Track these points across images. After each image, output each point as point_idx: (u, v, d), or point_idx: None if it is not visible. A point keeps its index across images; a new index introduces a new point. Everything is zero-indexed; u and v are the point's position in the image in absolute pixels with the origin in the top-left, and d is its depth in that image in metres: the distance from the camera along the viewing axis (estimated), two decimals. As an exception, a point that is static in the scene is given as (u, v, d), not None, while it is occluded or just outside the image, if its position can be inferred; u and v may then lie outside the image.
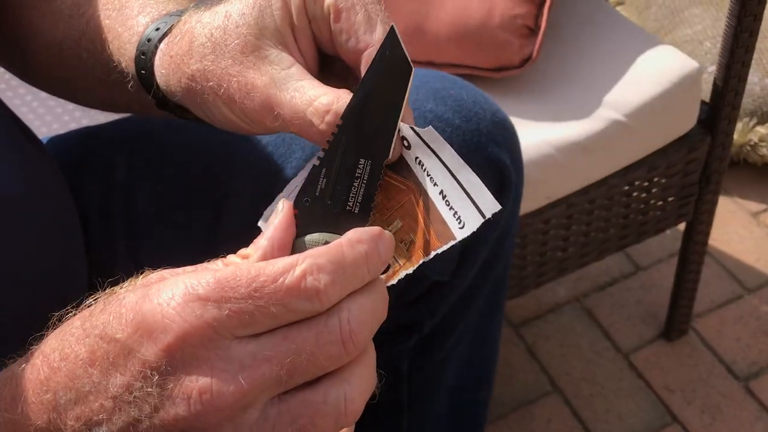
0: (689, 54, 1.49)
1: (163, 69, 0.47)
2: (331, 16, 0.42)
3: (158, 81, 0.48)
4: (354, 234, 0.36)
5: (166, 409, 0.33)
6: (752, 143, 1.46)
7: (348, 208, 0.39)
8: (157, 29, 0.48)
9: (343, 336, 0.34)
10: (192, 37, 0.45)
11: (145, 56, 0.48)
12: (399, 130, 0.40)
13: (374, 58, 0.40)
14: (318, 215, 0.38)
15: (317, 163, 0.39)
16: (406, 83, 0.40)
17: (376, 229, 0.36)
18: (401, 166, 0.41)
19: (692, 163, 1.05)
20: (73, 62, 0.55)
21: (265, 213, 0.44)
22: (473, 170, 0.67)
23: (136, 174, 0.66)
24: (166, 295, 0.33)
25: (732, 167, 1.50)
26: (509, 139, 0.71)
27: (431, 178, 0.40)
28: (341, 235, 0.36)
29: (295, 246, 0.38)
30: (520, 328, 1.31)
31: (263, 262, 0.34)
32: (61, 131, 0.72)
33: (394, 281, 0.40)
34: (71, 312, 0.36)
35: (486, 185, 0.70)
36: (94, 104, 0.62)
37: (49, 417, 0.35)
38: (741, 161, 1.49)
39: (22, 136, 0.57)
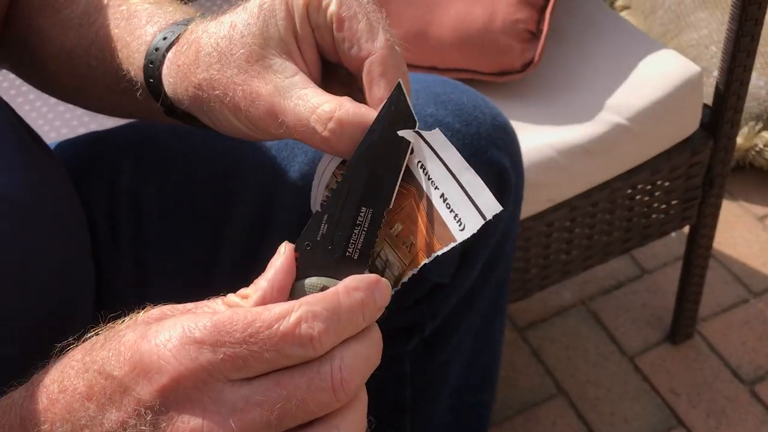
0: (695, 58, 1.50)
1: (170, 78, 0.48)
2: (334, 24, 0.42)
3: (166, 89, 0.49)
4: (351, 281, 0.36)
5: None
6: (758, 148, 1.46)
7: (348, 254, 0.39)
8: (165, 38, 0.49)
9: (334, 383, 0.34)
10: (198, 47, 0.46)
11: (153, 65, 0.49)
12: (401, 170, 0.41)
13: (380, 111, 0.41)
14: (318, 260, 0.39)
15: (320, 209, 0.40)
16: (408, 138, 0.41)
17: (372, 276, 0.37)
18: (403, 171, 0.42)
19: (695, 167, 1.06)
20: (82, 70, 0.56)
21: (312, 198, 0.45)
22: (473, 173, 0.68)
23: (142, 179, 0.67)
24: (163, 337, 0.34)
25: (738, 171, 1.50)
26: (509, 142, 0.72)
27: (432, 181, 0.40)
28: (340, 280, 0.37)
29: (294, 288, 0.39)
30: (525, 331, 1.31)
31: (260, 307, 0.35)
32: (70, 136, 0.73)
33: (398, 287, 0.41)
34: (73, 344, 0.37)
35: (486, 188, 0.71)
36: (104, 111, 0.63)
37: None
38: (747, 165, 1.49)
39: (31, 141, 0.58)
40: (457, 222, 0.39)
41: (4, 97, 0.59)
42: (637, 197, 1.05)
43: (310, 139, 0.42)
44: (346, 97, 0.42)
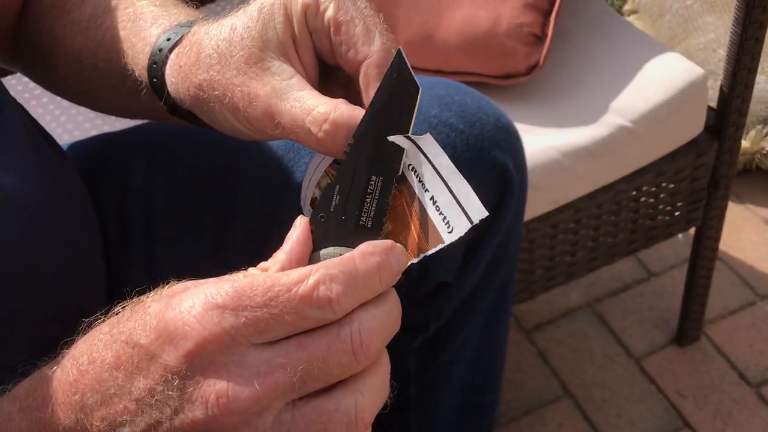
0: (702, 62, 1.50)
1: (173, 78, 0.49)
2: (331, 28, 0.43)
3: (169, 89, 0.50)
4: (366, 247, 0.37)
5: (185, 411, 0.35)
6: (765, 151, 1.46)
7: (361, 223, 0.40)
8: (168, 39, 0.50)
9: (354, 345, 0.35)
10: (200, 49, 0.47)
11: (156, 65, 0.51)
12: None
13: (383, 80, 0.42)
14: (332, 230, 0.40)
15: (331, 180, 0.41)
16: (414, 103, 0.41)
17: (388, 242, 0.38)
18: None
19: (700, 169, 1.06)
20: (90, 71, 0.58)
21: (303, 195, 0.46)
22: (477, 174, 0.69)
23: (152, 179, 0.68)
24: (187, 304, 0.35)
25: (745, 174, 1.50)
26: (513, 143, 0.73)
27: (422, 184, 0.41)
28: (355, 248, 0.38)
29: (312, 260, 0.40)
30: (532, 332, 1.32)
31: (279, 272, 0.36)
32: (82, 137, 0.75)
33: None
34: (100, 318, 0.39)
35: (489, 188, 0.72)
36: (111, 111, 0.64)
37: (76, 417, 0.37)
38: (754, 168, 1.49)
39: (44, 142, 0.59)
40: (446, 224, 0.40)
41: (19, 100, 0.61)
42: (642, 199, 1.06)
43: (305, 139, 0.43)
44: (341, 100, 0.43)
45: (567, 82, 1.05)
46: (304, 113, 0.42)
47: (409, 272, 0.67)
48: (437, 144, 0.41)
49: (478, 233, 0.73)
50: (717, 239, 1.15)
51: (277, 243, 0.42)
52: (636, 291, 1.36)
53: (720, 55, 1.51)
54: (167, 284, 0.39)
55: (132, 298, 0.39)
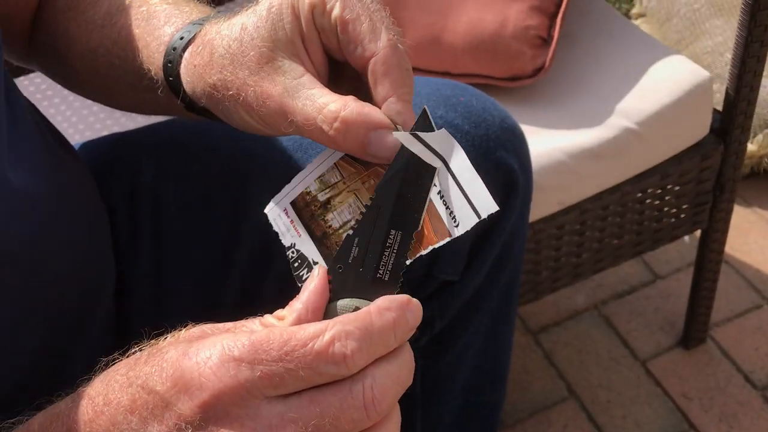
0: (709, 65, 1.50)
1: (188, 77, 0.50)
2: (338, 27, 0.44)
3: (185, 87, 0.51)
4: (383, 302, 0.37)
5: None
6: (772, 154, 1.46)
7: (378, 275, 0.40)
8: (182, 38, 0.51)
9: (366, 402, 0.35)
10: (212, 49, 0.48)
11: (171, 64, 0.52)
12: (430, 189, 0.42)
13: (415, 133, 0.42)
14: (350, 282, 0.40)
15: (351, 232, 0.41)
16: (431, 179, 0.42)
17: (404, 297, 0.38)
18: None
19: (706, 171, 1.07)
20: (106, 69, 0.59)
21: (273, 200, 0.47)
22: (482, 174, 0.70)
23: (162, 178, 0.69)
24: (204, 355, 0.36)
25: (752, 178, 1.51)
26: (518, 144, 0.73)
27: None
28: (371, 301, 0.38)
29: (328, 310, 0.40)
30: (538, 334, 1.32)
31: (295, 326, 0.36)
32: (92, 137, 0.76)
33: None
34: (118, 358, 0.39)
35: (494, 189, 0.73)
36: (128, 108, 0.65)
37: None
38: (761, 172, 1.49)
39: (56, 142, 0.61)
40: (452, 218, 0.41)
41: (31, 101, 0.62)
42: (648, 201, 1.06)
43: (318, 137, 0.44)
44: (350, 97, 0.43)
45: (573, 85, 1.05)
46: (316, 111, 0.43)
47: (414, 270, 0.68)
48: (452, 138, 0.42)
49: (483, 233, 0.73)
50: (723, 242, 1.15)
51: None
52: (642, 293, 1.36)
53: (727, 58, 1.51)
54: (184, 327, 0.39)
55: (149, 339, 0.39)
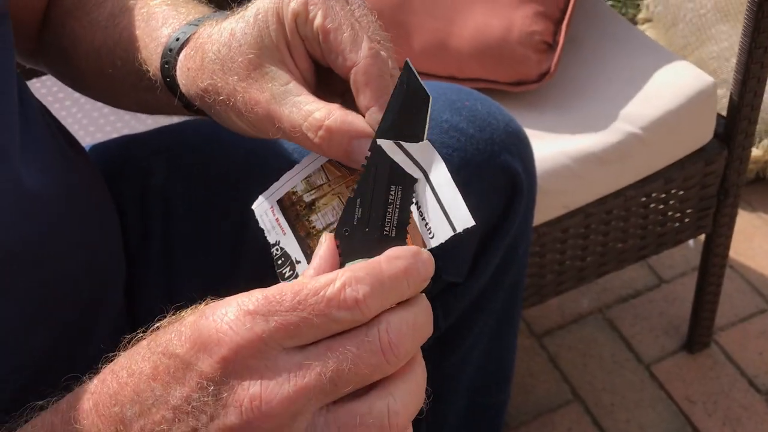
0: (715, 70, 1.51)
1: (183, 80, 0.51)
2: (320, 36, 0.45)
3: (181, 89, 0.52)
4: (392, 251, 0.38)
5: (221, 417, 0.35)
6: (777, 159, 1.46)
7: (385, 233, 0.41)
8: (177, 39, 0.52)
9: (382, 345, 0.35)
10: (203, 53, 0.49)
11: (168, 65, 0.53)
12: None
13: (393, 91, 0.42)
14: (357, 243, 0.40)
15: (352, 194, 0.41)
16: (426, 111, 0.42)
17: (414, 247, 0.38)
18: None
19: (710, 176, 1.07)
20: (109, 69, 0.60)
21: (261, 196, 0.48)
22: (486, 177, 0.71)
23: (172, 180, 0.70)
24: (220, 312, 0.36)
25: (757, 183, 1.51)
26: (522, 148, 0.74)
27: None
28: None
29: None
30: (542, 337, 1.33)
31: (307, 278, 0.37)
32: (102, 140, 0.77)
33: None
34: (140, 334, 0.40)
35: (498, 192, 0.73)
36: (131, 107, 0.66)
37: (116, 428, 0.38)
38: (766, 177, 1.50)
39: (68, 144, 0.62)
40: (428, 230, 0.42)
41: (43, 103, 0.63)
42: (652, 205, 1.07)
43: (304, 143, 0.44)
44: (335, 105, 0.44)
45: (577, 89, 1.06)
46: (302, 119, 0.44)
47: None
48: (435, 151, 0.42)
49: (487, 235, 0.74)
50: (727, 246, 1.16)
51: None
52: (647, 297, 1.37)
53: (733, 64, 1.51)
54: (204, 302, 0.40)
55: (173, 314, 0.40)
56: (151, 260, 0.69)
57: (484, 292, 0.78)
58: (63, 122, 0.66)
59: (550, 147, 0.98)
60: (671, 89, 1.02)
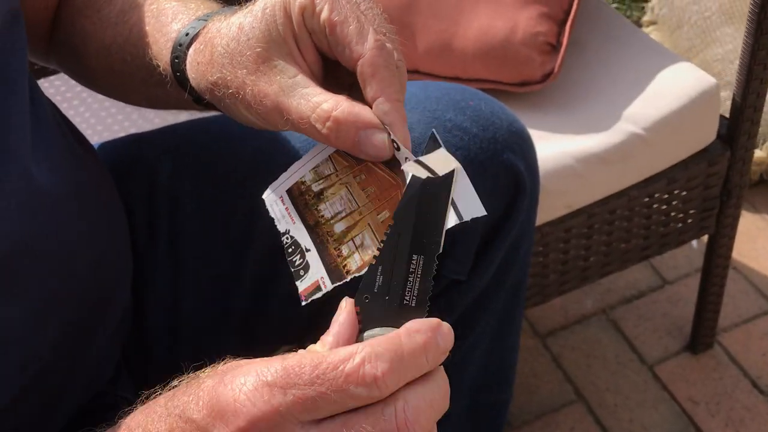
0: (720, 72, 1.51)
1: (193, 74, 0.52)
2: (327, 29, 0.45)
3: (191, 83, 0.53)
4: (412, 324, 0.37)
5: None
6: (781, 161, 1.47)
7: (405, 302, 0.40)
8: (187, 34, 0.53)
9: (399, 424, 0.35)
10: (213, 47, 0.50)
11: (178, 60, 0.53)
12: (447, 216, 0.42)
13: (419, 159, 0.43)
14: (377, 311, 0.40)
15: (374, 262, 0.41)
16: (451, 180, 0.42)
17: (434, 320, 0.38)
18: (394, 163, 0.45)
19: (713, 177, 1.08)
20: (120, 65, 0.61)
21: (271, 186, 0.48)
22: (489, 176, 0.71)
23: (179, 178, 0.71)
24: (239, 382, 0.36)
25: (762, 184, 1.51)
26: (525, 147, 0.75)
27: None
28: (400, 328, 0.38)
29: (358, 341, 0.40)
30: (546, 338, 1.33)
31: (326, 350, 0.37)
32: (109, 138, 0.78)
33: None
34: (159, 391, 0.40)
35: (501, 190, 0.74)
36: (142, 103, 0.67)
37: None
38: (771, 179, 1.50)
39: (77, 143, 0.62)
40: None
41: (53, 103, 0.64)
42: (655, 206, 1.08)
43: (312, 134, 0.45)
44: (342, 97, 0.45)
45: (581, 90, 1.07)
46: (310, 110, 0.45)
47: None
48: (450, 155, 0.42)
49: (490, 233, 0.75)
50: (730, 247, 1.16)
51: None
52: (650, 298, 1.37)
53: (737, 66, 1.52)
54: (223, 361, 0.40)
55: (189, 374, 0.40)
56: (158, 258, 0.70)
57: (486, 291, 0.78)
58: (71, 121, 0.66)
59: (554, 147, 0.99)
60: (674, 90, 1.03)
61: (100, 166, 0.65)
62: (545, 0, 1.04)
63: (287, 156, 0.70)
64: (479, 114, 0.72)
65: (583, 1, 1.14)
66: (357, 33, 0.45)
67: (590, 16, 1.15)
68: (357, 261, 0.44)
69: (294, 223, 0.47)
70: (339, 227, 0.45)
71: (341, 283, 0.44)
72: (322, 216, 0.46)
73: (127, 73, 0.61)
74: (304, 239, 0.46)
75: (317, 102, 0.45)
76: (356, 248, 0.44)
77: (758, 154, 1.47)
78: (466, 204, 0.42)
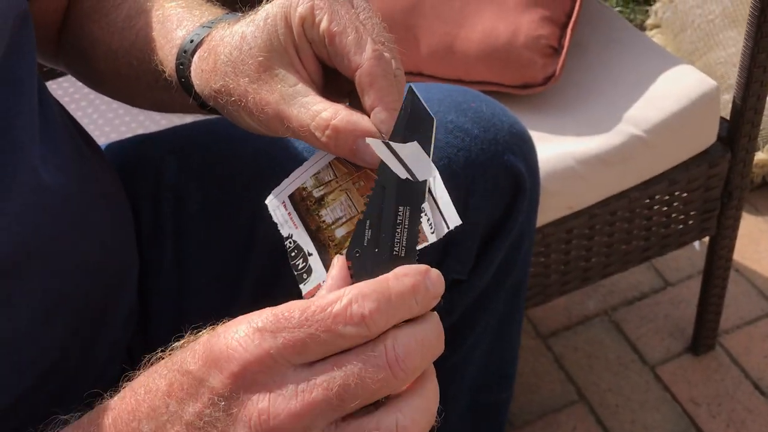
0: (722, 76, 1.52)
1: (197, 80, 0.53)
2: (326, 39, 0.46)
3: (195, 89, 0.54)
4: (400, 269, 0.38)
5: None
6: (784, 163, 1.47)
7: (395, 253, 0.41)
8: (192, 41, 0.54)
9: (389, 361, 0.36)
10: (216, 55, 0.51)
11: (183, 66, 0.54)
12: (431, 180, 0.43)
13: (398, 114, 0.44)
14: (368, 264, 0.41)
15: (361, 217, 0.42)
16: (431, 133, 0.44)
17: (422, 266, 0.38)
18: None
19: (713, 179, 1.08)
20: (126, 69, 0.62)
21: (273, 192, 0.49)
22: (490, 176, 0.72)
23: (184, 179, 0.72)
24: (231, 331, 0.37)
25: (763, 187, 1.52)
26: (526, 148, 0.76)
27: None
28: None
29: None
30: (548, 338, 1.34)
31: (314, 296, 0.38)
32: (116, 138, 0.79)
33: None
34: (160, 354, 0.42)
35: (502, 191, 0.75)
36: (148, 106, 0.68)
37: None
38: (773, 181, 1.51)
39: (84, 143, 0.63)
40: (430, 225, 0.43)
41: (61, 104, 0.65)
42: (656, 207, 1.08)
43: (312, 141, 0.46)
44: (341, 105, 0.46)
45: (582, 93, 1.08)
46: (309, 118, 0.46)
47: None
48: (422, 151, 0.43)
49: (491, 234, 0.75)
50: (731, 249, 1.17)
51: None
52: (652, 300, 1.38)
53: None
54: (222, 322, 0.41)
55: (189, 335, 0.41)
56: (164, 259, 0.71)
57: (487, 291, 0.79)
58: (79, 122, 0.68)
59: (555, 149, 0.99)
60: (675, 93, 1.03)
61: (107, 166, 0.66)
62: (547, 4, 1.05)
63: (290, 158, 0.71)
64: (480, 115, 0.73)
65: (585, 5, 1.14)
66: (355, 43, 0.45)
67: (592, 19, 1.16)
68: None
69: (296, 228, 0.48)
70: (340, 232, 0.46)
71: None
72: (324, 221, 0.47)
73: (133, 77, 0.62)
74: (307, 244, 0.47)
75: (317, 111, 0.46)
76: None
77: (760, 156, 1.48)
78: (449, 214, 0.42)
